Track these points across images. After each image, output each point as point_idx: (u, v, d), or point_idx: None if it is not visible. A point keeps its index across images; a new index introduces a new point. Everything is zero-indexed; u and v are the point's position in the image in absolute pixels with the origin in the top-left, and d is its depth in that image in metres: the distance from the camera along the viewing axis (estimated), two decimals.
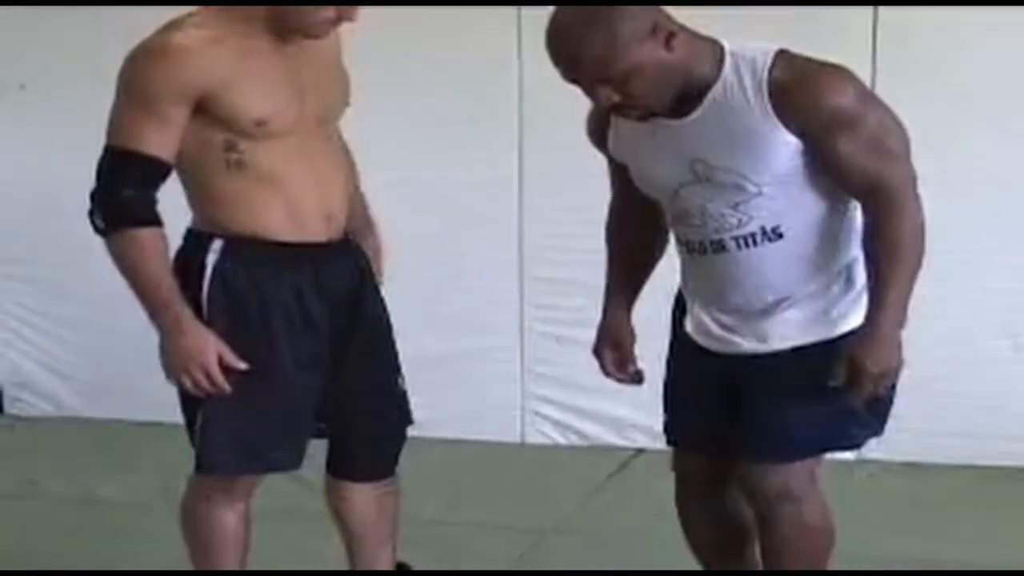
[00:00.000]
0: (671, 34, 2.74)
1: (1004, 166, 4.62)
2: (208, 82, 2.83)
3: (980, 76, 4.60)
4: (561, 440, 5.26)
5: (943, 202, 4.65)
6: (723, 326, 3.01)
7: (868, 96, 2.84)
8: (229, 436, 3.03)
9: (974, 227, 4.64)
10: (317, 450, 3.32)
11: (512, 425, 5.28)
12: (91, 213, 2.88)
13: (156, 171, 2.86)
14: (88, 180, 2.89)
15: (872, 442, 4.74)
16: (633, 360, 3.22)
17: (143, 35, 2.89)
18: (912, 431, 4.79)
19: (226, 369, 2.92)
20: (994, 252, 4.67)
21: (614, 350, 3.22)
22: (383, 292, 3.30)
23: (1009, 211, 4.65)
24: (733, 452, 3.03)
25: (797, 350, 2.93)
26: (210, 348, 2.91)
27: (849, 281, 2.94)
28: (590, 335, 5.41)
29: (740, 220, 2.89)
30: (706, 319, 3.04)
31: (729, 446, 3.03)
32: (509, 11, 4.87)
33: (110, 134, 2.87)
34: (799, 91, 2.75)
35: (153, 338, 3.00)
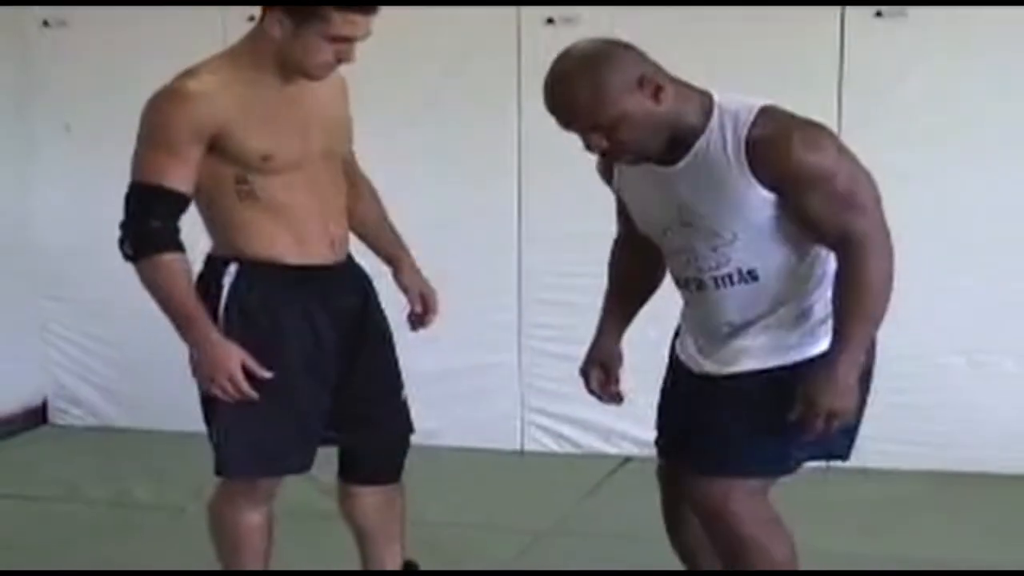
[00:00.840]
0: (659, 87, 2.73)
1: (959, 196, 4.65)
2: (220, 123, 2.90)
3: (938, 117, 4.62)
4: (557, 448, 5.26)
5: (905, 230, 4.69)
6: (698, 348, 3.01)
7: (840, 153, 2.79)
8: (246, 442, 3.07)
9: (932, 251, 4.65)
10: (330, 454, 3.32)
11: (512, 434, 5.28)
12: (121, 242, 2.94)
13: (178, 203, 2.92)
14: None
15: None
16: (616, 381, 3.20)
17: None
18: (878, 440, 4.80)
19: (251, 377, 2.96)
20: (951, 274, 4.68)
21: (600, 371, 3.20)
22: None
23: (964, 237, 4.66)
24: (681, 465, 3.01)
25: (749, 374, 2.89)
26: (234, 358, 2.95)
27: (805, 315, 2.89)
28: (583, 352, 5.40)
29: (719, 262, 2.88)
30: (688, 341, 3.05)
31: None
32: (510, 46, 4.91)
33: (135, 171, 2.93)
34: (773, 150, 2.72)
35: (184, 355, 3.01)
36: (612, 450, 5.14)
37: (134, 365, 5.45)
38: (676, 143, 2.79)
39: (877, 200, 2.82)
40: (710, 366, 2.97)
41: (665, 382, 3.19)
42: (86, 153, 5.36)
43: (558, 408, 5.21)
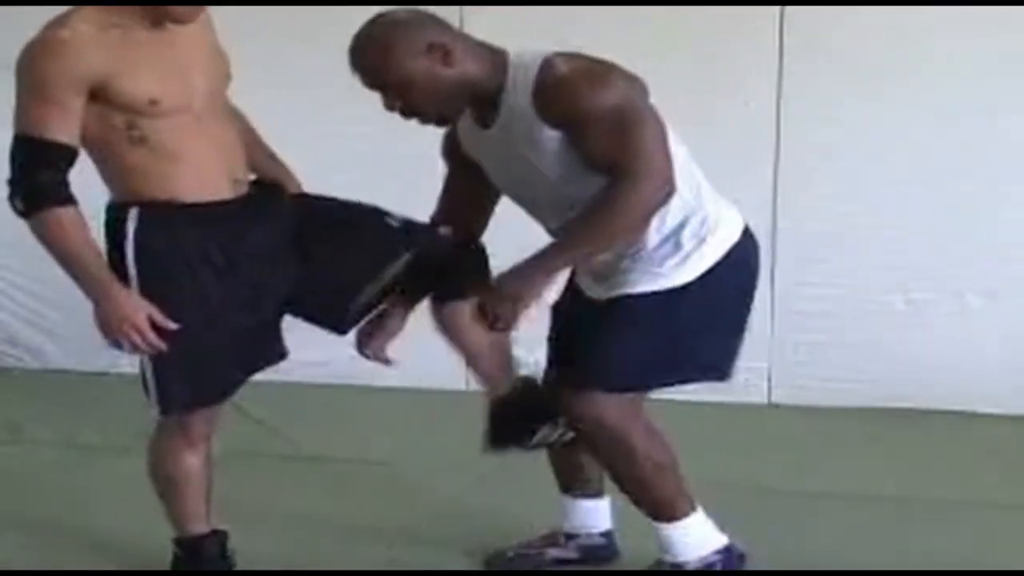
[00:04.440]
0: (448, 52, 2.89)
1: (897, 135, 4.65)
2: (97, 71, 2.84)
3: (879, 55, 4.62)
4: None
5: (845, 168, 4.73)
6: (585, 282, 3.21)
7: (623, 95, 2.88)
8: (178, 375, 3.06)
9: (869, 190, 4.67)
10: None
11: (456, 374, 5.25)
12: (11, 199, 2.90)
13: (64, 155, 2.87)
14: None
15: (781, 388, 4.85)
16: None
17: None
18: (815, 377, 4.85)
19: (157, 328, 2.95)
20: (887, 212, 4.70)
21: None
22: None
23: (901, 176, 4.68)
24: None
25: (625, 297, 3.07)
26: (138, 310, 2.93)
27: (677, 245, 3.04)
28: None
29: (562, 205, 3.02)
30: (580, 272, 3.24)
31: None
32: None
33: (17, 125, 2.88)
34: (554, 94, 2.88)
35: None
36: None
37: (78, 307, 5.34)
38: (486, 105, 2.96)
39: (659, 143, 2.92)
40: (594, 292, 3.16)
41: (558, 302, 3.35)
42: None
43: None
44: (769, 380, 4.89)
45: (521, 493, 4.04)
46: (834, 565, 3.50)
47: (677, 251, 3.03)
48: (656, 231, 3.01)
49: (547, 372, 3.34)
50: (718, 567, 3.23)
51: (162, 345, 2.94)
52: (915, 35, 4.56)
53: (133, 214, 2.97)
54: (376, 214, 3.19)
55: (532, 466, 4.39)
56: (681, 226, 3.03)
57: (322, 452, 4.47)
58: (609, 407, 3.09)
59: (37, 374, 5.60)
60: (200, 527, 3.31)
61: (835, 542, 3.68)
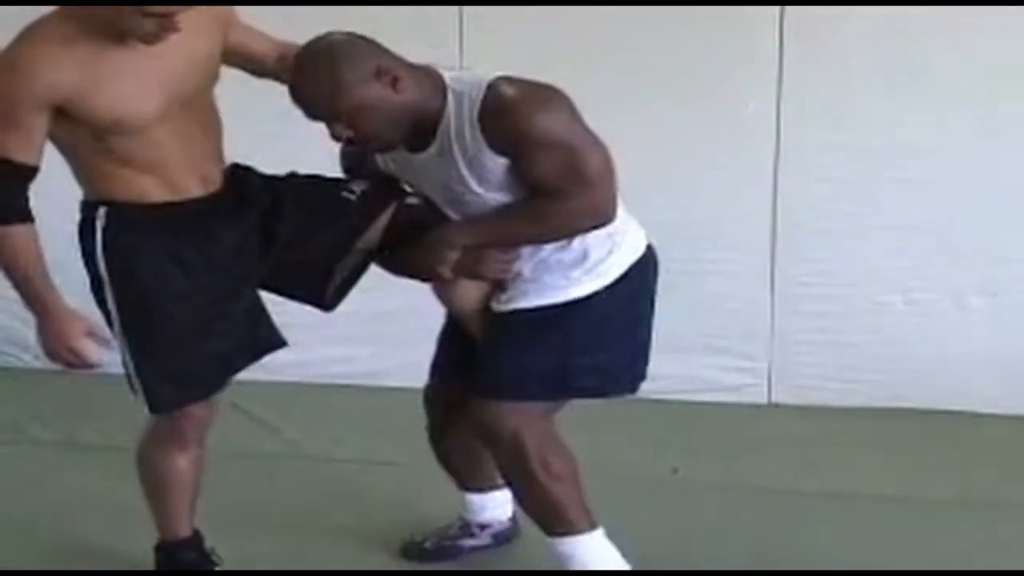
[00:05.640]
0: (396, 78, 2.84)
1: (896, 135, 4.64)
2: (60, 91, 2.79)
3: (879, 56, 4.61)
4: None
5: (844, 170, 4.73)
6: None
7: (571, 121, 2.89)
8: (160, 374, 3.07)
9: (869, 190, 4.67)
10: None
11: None
12: None
13: (21, 174, 2.86)
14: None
15: (781, 388, 4.85)
16: None
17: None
18: (816, 378, 4.85)
19: (140, 316, 3.00)
20: (886, 213, 4.70)
21: None
22: None
23: (900, 175, 4.66)
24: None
25: (524, 311, 3.06)
26: (75, 329, 2.98)
27: (584, 255, 3.03)
28: None
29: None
30: None
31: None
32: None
33: None
34: (501, 120, 2.84)
35: None
36: None
37: (78, 307, 5.37)
38: (422, 129, 2.91)
39: (607, 171, 2.92)
40: (494, 305, 3.13)
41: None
42: None
43: None
44: (769, 380, 4.89)
45: None
46: (834, 565, 3.51)
47: (584, 261, 3.03)
48: (564, 248, 3.02)
49: (435, 369, 3.46)
50: None
51: (97, 361, 3.00)
52: (915, 35, 4.55)
53: (101, 213, 3.00)
54: (337, 187, 3.17)
55: None
56: (590, 237, 3.01)
57: (322, 452, 4.47)
58: (504, 416, 3.08)
59: (37, 374, 5.58)
60: (182, 531, 3.35)
61: (835, 542, 3.68)
